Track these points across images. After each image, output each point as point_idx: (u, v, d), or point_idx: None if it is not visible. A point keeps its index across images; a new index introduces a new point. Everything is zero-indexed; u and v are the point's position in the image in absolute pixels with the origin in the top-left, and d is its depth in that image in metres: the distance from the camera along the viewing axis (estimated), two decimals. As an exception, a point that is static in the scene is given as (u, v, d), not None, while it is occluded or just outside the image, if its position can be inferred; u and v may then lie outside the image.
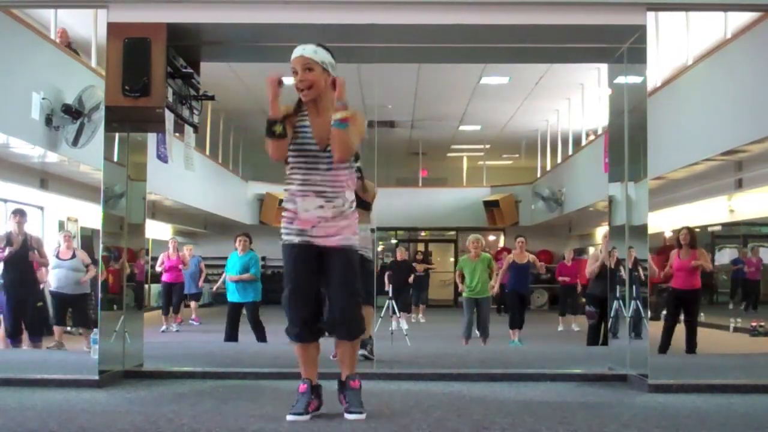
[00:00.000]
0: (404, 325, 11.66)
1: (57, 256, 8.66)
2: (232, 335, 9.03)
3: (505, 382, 5.03)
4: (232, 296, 9.15)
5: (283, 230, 3.67)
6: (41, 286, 8.78)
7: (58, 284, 8.63)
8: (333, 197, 3.59)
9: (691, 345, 8.00)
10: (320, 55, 3.64)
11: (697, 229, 13.57)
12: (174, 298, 12.89)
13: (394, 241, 21.70)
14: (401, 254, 14.42)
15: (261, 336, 8.92)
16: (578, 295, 13.83)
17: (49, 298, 8.92)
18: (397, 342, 9.18)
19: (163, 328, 12.48)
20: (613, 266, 5.68)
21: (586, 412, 4.00)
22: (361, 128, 3.71)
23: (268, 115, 3.53)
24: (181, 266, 12.77)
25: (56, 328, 8.73)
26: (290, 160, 3.63)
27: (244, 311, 9.18)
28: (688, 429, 3.62)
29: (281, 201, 14.73)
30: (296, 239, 3.61)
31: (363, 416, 3.61)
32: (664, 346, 8.02)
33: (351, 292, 3.66)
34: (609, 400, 4.44)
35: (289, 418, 3.61)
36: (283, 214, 3.67)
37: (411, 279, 13.85)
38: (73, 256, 8.67)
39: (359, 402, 3.67)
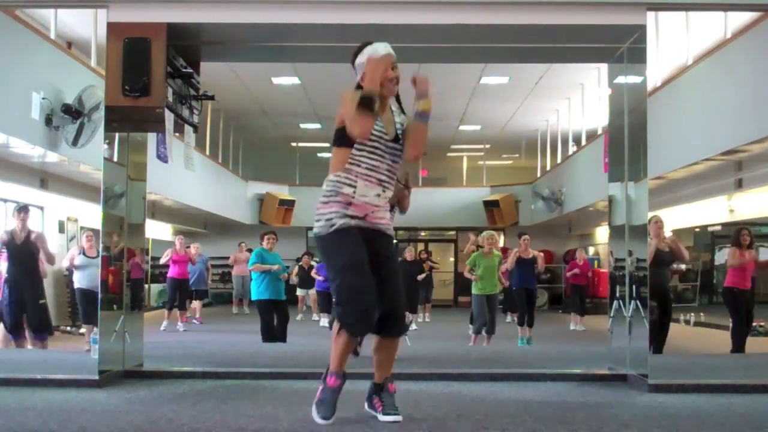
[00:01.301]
0: (412, 326, 11.72)
1: (84, 255, 8.65)
2: (271, 335, 8.81)
3: (505, 382, 5.03)
4: (272, 294, 8.91)
5: (332, 214, 3.48)
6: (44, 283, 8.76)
7: (90, 283, 8.56)
8: (388, 188, 3.60)
9: (741, 345, 8.01)
10: None
11: (697, 229, 13.62)
12: (181, 295, 12.84)
13: (393, 241, 21.67)
14: (410, 254, 14.52)
15: (285, 336, 8.84)
16: (586, 294, 13.89)
17: (78, 296, 8.88)
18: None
19: (165, 325, 12.40)
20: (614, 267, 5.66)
21: (586, 412, 4.00)
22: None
23: (369, 90, 3.45)
24: (189, 262, 12.81)
25: (88, 327, 8.71)
26: (359, 145, 3.52)
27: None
28: (688, 429, 3.62)
29: (281, 201, 14.82)
30: (353, 222, 3.49)
31: (400, 418, 3.56)
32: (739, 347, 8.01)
33: (401, 286, 3.64)
34: (609, 400, 4.44)
35: (321, 422, 3.51)
36: (332, 198, 3.51)
37: (420, 278, 13.94)
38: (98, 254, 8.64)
39: (395, 405, 3.62)
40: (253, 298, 9.10)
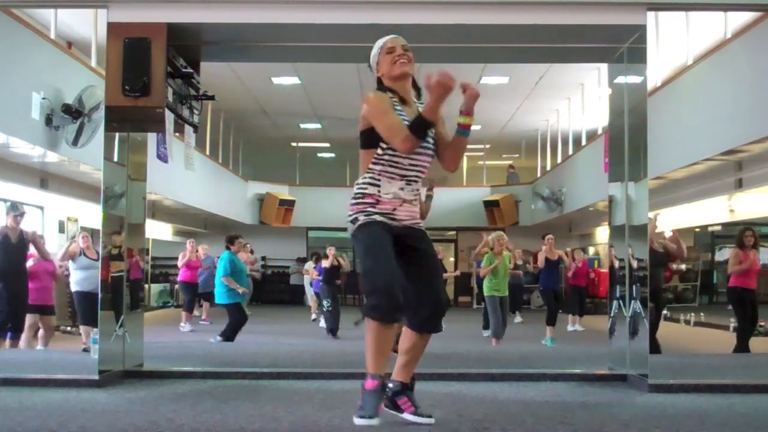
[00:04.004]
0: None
1: (85, 255, 8.60)
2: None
3: (505, 382, 5.03)
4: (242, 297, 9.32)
5: (360, 214, 3.49)
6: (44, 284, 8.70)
7: (90, 285, 8.51)
8: (412, 181, 3.57)
9: (744, 345, 8.01)
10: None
11: (697, 229, 13.62)
12: (190, 297, 13.07)
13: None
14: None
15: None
16: (586, 295, 13.90)
17: (75, 299, 8.86)
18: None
19: (188, 327, 12.50)
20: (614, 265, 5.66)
21: (586, 412, 4.00)
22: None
23: (429, 118, 3.43)
24: (200, 268, 12.99)
25: (84, 329, 8.68)
26: (383, 143, 3.51)
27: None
28: (688, 429, 3.61)
29: (281, 201, 15.01)
30: (380, 217, 3.49)
31: (434, 420, 3.49)
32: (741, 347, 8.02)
33: (441, 285, 3.59)
34: (609, 400, 4.44)
35: (359, 422, 3.38)
36: (359, 200, 3.52)
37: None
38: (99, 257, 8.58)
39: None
40: (230, 301, 9.23)
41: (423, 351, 3.63)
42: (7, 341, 8.09)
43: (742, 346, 8.01)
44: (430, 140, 3.59)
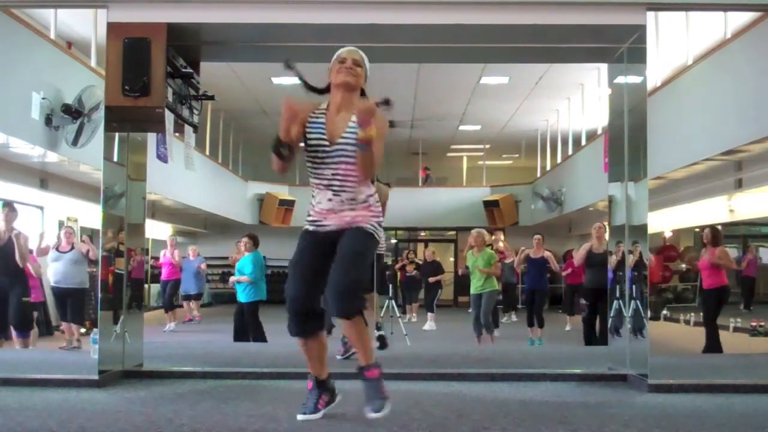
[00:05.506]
0: (431, 326, 11.92)
1: (57, 250, 8.64)
2: (237, 334, 9.18)
3: (505, 382, 5.03)
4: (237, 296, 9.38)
5: (305, 220, 3.72)
6: (33, 282, 8.71)
7: (56, 278, 8.61)
8: (340, 191, 3.56)
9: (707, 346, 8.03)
10: (366, 62, 3.74)
11: (697, 229, 13.62)
12: (166, 295, 13.10)
13: (393, 241, 21.72)
14: (430, 255, 15.07)
15: (258, 336, 8.95)
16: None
17: (50, 296, 8.88)
18: (397, 342, 9.18)
19: (167, 327, 12.54)
20: (617, 262, 5.65)
21: (586, 412, 4.00)
22: (382, 132, 3.57)
23: (278, 135, 3.50)
24: (174, 261, 13.01)
25: (65, 326, 8.69)
26: (305, 156, 3.66)
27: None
28: (688, 429, 3.62)
29: (281, 201, 15.14)
30: (311, 227, 3.65)
31: (380, 414, 3.36)
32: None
33: (348, 267, 3.41)
34: (609, 400, 4.44)
35: (300, 417, 3.65)
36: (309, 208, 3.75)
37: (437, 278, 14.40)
38: (72, 248, 8.60)
39: (376, 394, 3.39)
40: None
41: (354, 336, 3.49)
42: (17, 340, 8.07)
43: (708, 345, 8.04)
44: (350, 149, 3.53)
